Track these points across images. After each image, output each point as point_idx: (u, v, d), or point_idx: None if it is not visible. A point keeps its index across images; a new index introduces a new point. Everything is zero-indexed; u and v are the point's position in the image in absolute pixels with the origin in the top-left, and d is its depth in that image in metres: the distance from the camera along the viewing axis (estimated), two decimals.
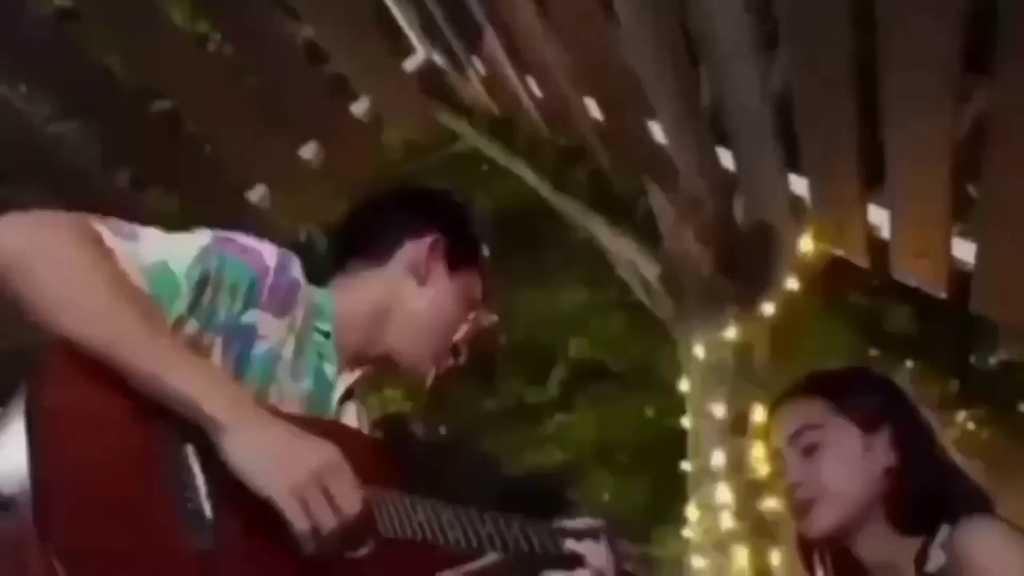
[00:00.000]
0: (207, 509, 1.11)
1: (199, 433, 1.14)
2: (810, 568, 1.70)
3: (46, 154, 3.28)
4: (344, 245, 1.60)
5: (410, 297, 1.53)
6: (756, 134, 3.46)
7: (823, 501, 1.57)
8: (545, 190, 6.19)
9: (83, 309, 1.14)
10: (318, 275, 1.52)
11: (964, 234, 3.34)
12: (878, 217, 3.49)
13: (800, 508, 1.60)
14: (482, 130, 6.27)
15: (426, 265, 1.54)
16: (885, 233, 3.46)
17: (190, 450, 1.14)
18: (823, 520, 1.58)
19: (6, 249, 1.15)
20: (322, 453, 1.18)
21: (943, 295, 3.51)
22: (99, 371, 1.12)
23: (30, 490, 0.99)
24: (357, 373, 1.53)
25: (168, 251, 1.28)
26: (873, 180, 3.39)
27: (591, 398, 7.81)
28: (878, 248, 3.57)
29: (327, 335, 1.45)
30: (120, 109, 3.30)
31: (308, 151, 3.66)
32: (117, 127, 3.37)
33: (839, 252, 3.88)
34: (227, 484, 1.13)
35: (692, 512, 5.51)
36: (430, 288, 1.54)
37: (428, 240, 1.55)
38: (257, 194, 3.59)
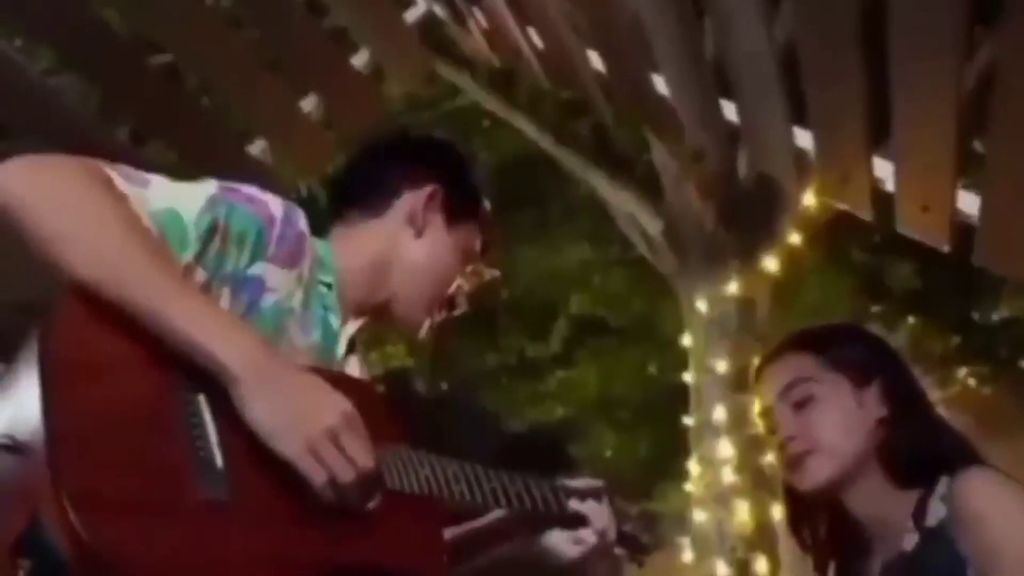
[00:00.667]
0: (218, 458, 1.10)
1: (211, 381, 1.14)
2: (796, 528, 1.69)
3: (45, 108, 3.25)
4: (342, 195, 1.58)
5: (407, 248, 1.52)
6: (761, 86, 3.43)
7: (818, 453, 1.56)
8: (546, 144, 6.15)
9: (96, 251, 1.11)
10: (318, 227, 1.50)
11: (969, 187, 3.32)
12: (883, 170, 3.46)
13: (794, 462, 1.59)
14: (483, 83, 6.22)
15: (423, 216, 1.53)
16: (889, 186, 3.44)
17: (201, 398, 1.13)
18: (818, 472, 1.57)
19: (16, 191, 1.13)
20: (337, 407, 1.17)
21: (946, 249, 3.49)
22: (111, 317, 1.11)
23: (43, 435, 0.99)
24: (359, 323, 1.53)
25: (177, 198, 1.26)
26: (878, 133, 3.37)
27: (592, 353, 7.83)
28: (882, 201, 3.55)
29: (329, 286, 1.44)
30: (119, 62, 3.27)
31: (308, 104, 3.64)
32: (116, 81, 3.34)
33: (843, 206, 3.85)
34: (238, 433, 1.13)
35: (693, 467, 5.54)
36: (427, 239, 1.53)
37: (427, 190, 1.53)
38: (257, 147, 3.57)
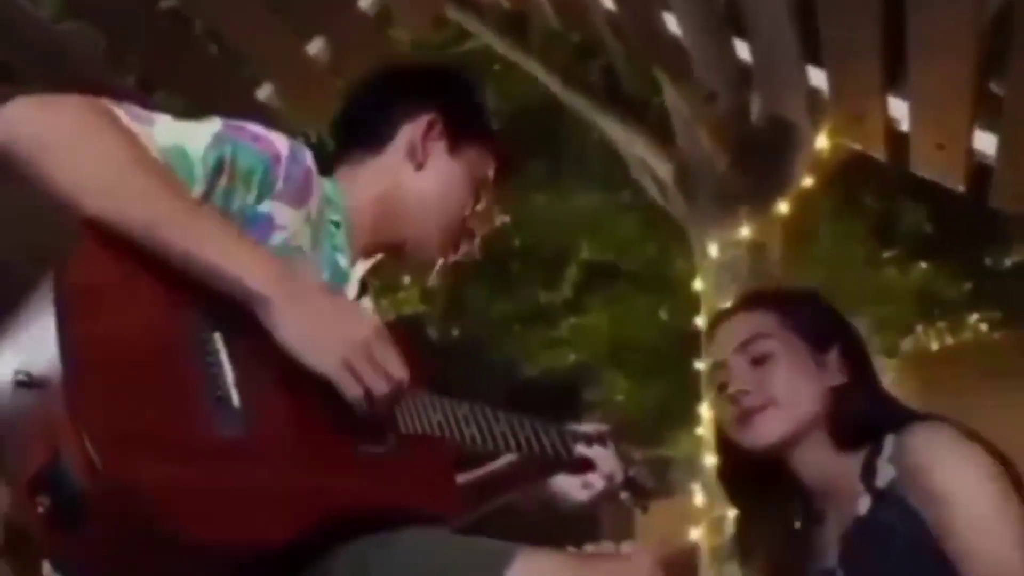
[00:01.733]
0: (235, 397, 1.10)
1: (226, 318, 1.13)
2: (732, 482, 1.66)
3: (52, 54, 3.23)
4: (343, 134, 1.56)
5: (411, 182, 1.50)
6: (774, 24, 3.38)
7: (773, 409, 1.52)
8: (557, 88, 6.08)
9: (113, 186, 1.10)
10: (325, 167, 1.47)
11: (985, 127, 3.29)
12: (898, 109, 3.43)
13: (745, 416, 1.54)
14: (493, 26, 6.15)
15: (423, 148, 1.50)
16: (904, 126, 3.40)
17: (217, 336, 1.12)
18: (772, 429, 1.53)
19: (24, 130, 1.11)
20: (368, 322, 1.19)
21: (962, 189, 3.46)
22: (124, 253, 1.10)
23: (61, 370, 0.98)
24: (369, 263, 1.52)
25: (183, 135, 1.24)
26: (893, 71, 3.32)
27: (604, 299, 7.82)
28: (897, 141, 3.52)
29: (338, 225, 1.42)
30: (126, 8, 3.24)
31: (315, 47, 3.60)
32: (123, 26, 3.31)
33: (857, 146, 3.82)
34: (255, 372, 1.13)
35: (705, 411, 5.56)
36: (430, 171, 1.50)
37: (424, 121, 1.51)
38: (264, 92, 3.54)
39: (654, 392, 7.63)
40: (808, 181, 5.66)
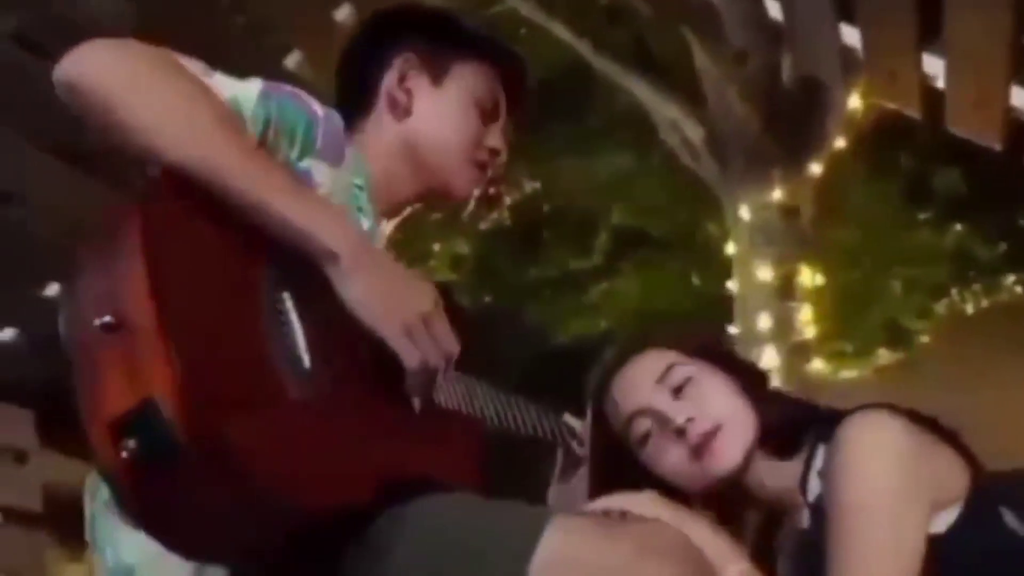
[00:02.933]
0: (305, 358, 1.10)
1: (295, 278, 1.13)
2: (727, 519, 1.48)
3: (81, 28, 3.24)
4: (341, 105, 1.49)
5: (404, 132, 1.45)
6: None
7: (725, 428, 1.39)
8: (586, 51, 6.03)
9: (192, 135, 1.10)
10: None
11: (1023, 83, 3.23)
12: (932, 67, 3.37)
13: (701, 446, 1.38)
14: None
15: (404, 92, 1.45)
16: (940, 83, 3.35)
17: (286, 295, 1.13)
18: (733, 446, 1.39)
19: (102, 73, 1.11)
20: (428, 294, 1.19)
21: (998, 147, 3.41)
22: (202, 203, 1.09)
23: (155, 318, 0.97)
24: (392, 224, 1.51)
25: (236, 89, 1.24)
26: (928, 28, 3.26)
27: (635, 265, 7.79)
28: (932, 99, 3.46)
29: (360, 188, 1.41)
30: None
31: (342, 14, 3.59)
32: None
33: (891, 104, 3.76)
34: (321, 334, 1.13)
35: None
36: (419, 112, 1.45)
37: (396, 65, 1.45)
38: (293, 60, 3.55)
39: None
40: (841, 142, 5.61)
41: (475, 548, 1.09)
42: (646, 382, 1.44)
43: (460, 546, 1.09)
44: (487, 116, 1.49)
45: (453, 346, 1.20)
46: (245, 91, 1.25)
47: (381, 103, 1.47)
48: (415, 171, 1.47)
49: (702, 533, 1.26)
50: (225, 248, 1.11)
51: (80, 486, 1.31)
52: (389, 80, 1.46)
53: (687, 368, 1.43)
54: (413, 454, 1.23)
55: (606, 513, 1.30)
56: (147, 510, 1.00)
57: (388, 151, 1.46)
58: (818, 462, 1.35)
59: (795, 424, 1.43)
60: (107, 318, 0.98)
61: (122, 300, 1.00)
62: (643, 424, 1.42)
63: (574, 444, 1.55)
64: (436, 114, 1.46)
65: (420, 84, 1.46)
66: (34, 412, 3.42)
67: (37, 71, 2.89)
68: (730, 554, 1.30)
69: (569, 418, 1.58)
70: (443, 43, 1.48)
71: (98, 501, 1.26)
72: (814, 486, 1.35)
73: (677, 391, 1.42)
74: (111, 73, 1.11)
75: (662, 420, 1.40)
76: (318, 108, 1.34)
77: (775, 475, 1.40)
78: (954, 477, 1.31)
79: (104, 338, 0.99)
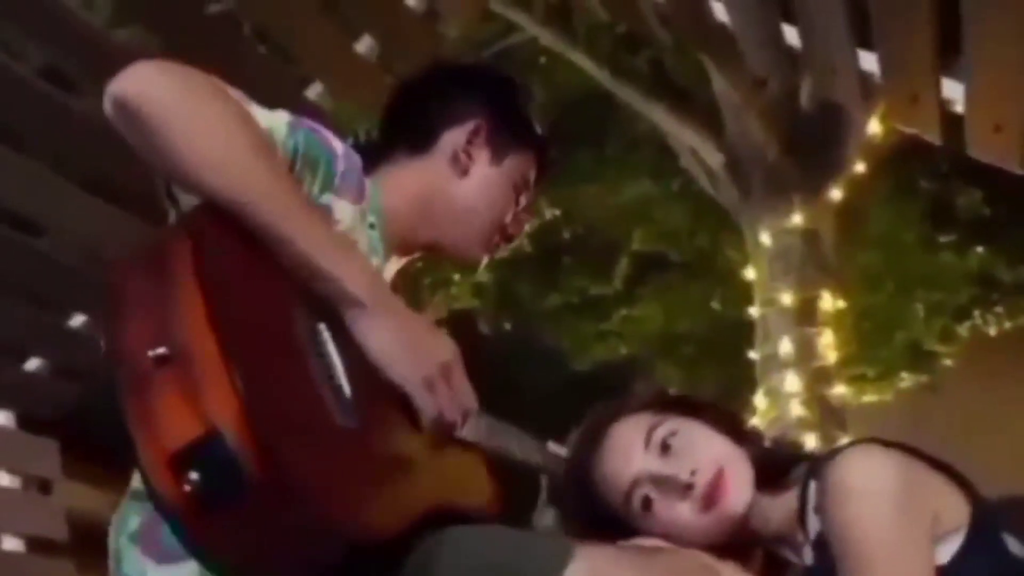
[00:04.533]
0: (347, 387, 1.11)
1: (328, 311, 1.14)
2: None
3: (108, 59, 3.29)
4: (386, 135, 1.53)
5: (453, 188, 1.47)
6: (822, 6, 3.33)
7: (727, 467, 1.37)
8: (605, 79, 6.07)
9: (237, 166, 1.11)
10: (365, 167, 1.46)
11: None
12: (952, 91, 3.36)
13: (711, 493, 1.36)
14: (539, 19, 6.15)
15: (467, 153, 1.47)
16: (959, 107, 3.34)
17: (323, 327, 1.13)
18: (740, 486, 1.37)
19: (157, 95, 1.10)
20: (448, 346, 1.20)
21: (1020, 171, 3.39)
22: (243, 235, 1.10)
23: (216, 348, 0.97)
24: (401, 263, 1.52)
25: (270, 119, 1.25)
26: (947, 52, 3.26)
27: (656, 290, 7.78)
28: (951, 123, 3.45)
29: (372, 226, 1.42)
30: (177, 11, 3.28)
31: (363, 45, 3.62)
32: (174, 30, 3.35)
33: (910, 129, 3.75)
34: (357, 364, 1.13)
35: (760, 400, 5.53)
36: (474, 178, 1.48)
37: (469, 126, 1.48)
38: (314, 91, 3.58)
39: (707, 383, 7.58)
40: (861, 166, 5.60)
41: None
42: (634, 450, 1.40)
43: (492, 574, 1.10)
44: (518, 203, 1.53)
45: (472, 401, 1.21)
46: (277, 121, 1.26)
47: (440, 152, 1.48)
48: (437, 225, 1.48)
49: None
50: (270, 280, 1.11)
51: (103, 515, 1.31)
52: (459, 137, 1.48)
53: (667, 425, 1.41)
54: (441, 482, 1.25)
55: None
56: (209, 541, 0.99)
57: (421, 196, 1.47)
58: (812, 499, 1.33)
59: (781, 459, 1.43)
60: (161, 349, 0.98)
61: (177, 330, 0.99)
62: (643, 491, 1.38)
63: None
64: (484, 188, 1.49)
65: (482, 155, 1.49)
66: (58, 442, 3.44)
67: (65, 104, 2.93)
68: None
69: (553, 446, 1.57)
70: (511, 124, 1.51)
71: (123, 535, 1.27)
72: (813, 523, 1.33)
73: (665, 449, 1.39)
74: (166, 95, 1.11)
75: (664, 481, 1.37)
76: (337, 144, 1.35)
77: (774, 511, 1.39)
78: (953, 506, 1.29)
79: (158, 370, 0.98)
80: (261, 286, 1.11)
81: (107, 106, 1.13)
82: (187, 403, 0.96)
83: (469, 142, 1.48)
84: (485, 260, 1.56)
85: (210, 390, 0.96)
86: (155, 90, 1.11)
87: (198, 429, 0.95)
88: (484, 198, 1.49)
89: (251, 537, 0.98)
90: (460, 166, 1.47)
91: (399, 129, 1.52)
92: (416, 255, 1.53)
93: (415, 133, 1.49)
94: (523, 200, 1.54)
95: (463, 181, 1.48)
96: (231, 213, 1.10)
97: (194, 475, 0.94)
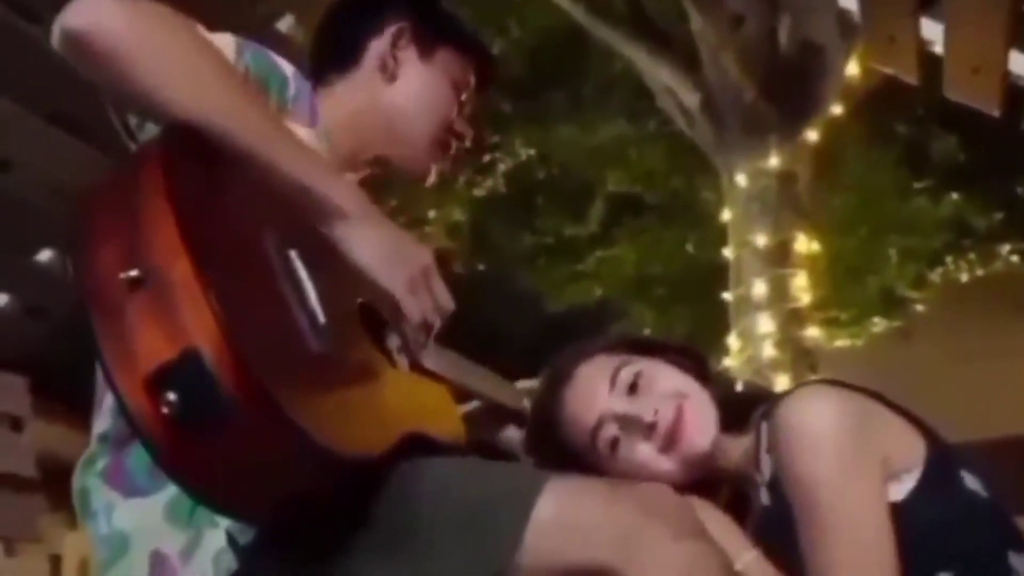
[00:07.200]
0: (320, 314, 1.10)
1: (298, 236, 1.13)
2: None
3: None
4: (318, 59, 1.53)
5: (387, 96, 1.48)
6: None
7: (688, 405, 1.38)
8: (580, 16, 5.99)
9: (202, 90, 1.10)
10: None
11: (1022, 48, 3.21)
12: (931, 31, 3.35)
13: (672, 432, 1.37)
14: None
15: (393, 58, 1.48)
16: (938, 48, 3.33)
17: (294, 254, 1.12)
18: (703, 424, 1.38)
19: (111, 25, 1.08)
20: (425, 251, 1.23)
21: (996, 113, 3.39)
22: (213, 160, 1.08)
23: (192, 269, 0.94)
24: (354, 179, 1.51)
25: (217, 41, 1.23)
26: None
27: (630, 232, 7.77)
28: (929, 64, 3.44)
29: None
30: None
31: None
32: None
33: (889, 69, 3.74)
34: (329, 290, 1.13)
35: (733, 342, 5.56)
36: (403, 81, 1.49)
37: (392, 31, 1.49)
38: (285, 24, 3.53)
39: (681, 325, 7.61)
40: (838, 109, 5.58)
41: (477, 511, 1.09)
42: (599, 391, 1.41)
43: (464, 507, 1.10)
44: (460, 102, 1.53)
45: (450, 303, 1.23)
46: (225, 44, 1.25)
47: (367, 64, 1.49)
48: (379, 136, 1.49)
49: (713, 518, 1.27)
50: (240, 205, 1.10)
51: (73, 453, 1.30)
52: (381, 44, 1.49)
53: (632, 366, 1.41)
54: (413, 411, 1.25)
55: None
56: (186, 464, 0.97)
57: (357, 110, 1.48)
58: (764, 440, 1.35)
59: (742, 400, 1.44)
60: (133, 272, 0.96)
61: (150, 252, 0.97)
62: (608, 431, 1.39)
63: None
64: (417, 89, 1.50)
65: (409, 56, 1.50)
66: (28, 379, 3.42)
67: (28, 34, 2.86)
68: (741, 541, 1.31)
69: (523, 383, 1.61)
70: (432, 24, 1.52)
71: (92, 474, 1.26)
72: (765, 464, 1.34)
73: (631, 390, 1.40)
74: (118, 24, 1.09)
75: (628, 421, 1.38)
76: (286, 66, 1.35)
77: (736, 451, 1.40)
78: (907, 444, 1.30)
79: (131, 293, 0.96)
80: (231, 211, 1.09)
81: (57, 40, 1.11)
82: (162, 324, 0.94)
83: (394, 45, 1.49)
84: (434, 170, 1.55)
85: (186, 309, 0.94)
86: (109, 20, 1.09)
87: (174, 349, 0.93)
88: (420, 100, 1.50)
89: (229, 459, 0.96)
90: (388, 72, 1.48)
91: (327, 50, 1.53)
92: (365, 172, 1.53)
93: (343, 50, 1.50)
94: (465, 98, 1.54)
95: (395, 87, 1.49)
96: (198, 137, 1.08)
97: (171, 396, 0.92)
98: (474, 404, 1.62)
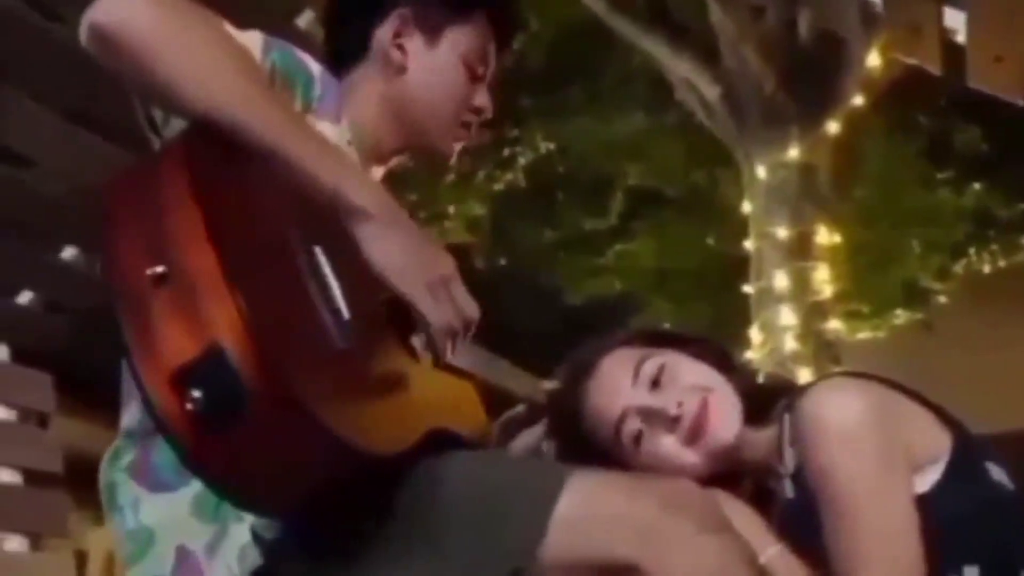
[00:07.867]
0: (344, 310, 1.10)
1: (322, 232, 1.13)
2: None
3: None
4: (329, 51, 1.52)
5: (398, 87, 1.46)
6: None
7: (713, 398, 1.37)
8: (600, 9, 5.97)
9: (227, 88, 1.09)
10: None
11: None
12: (953, 20, 3.32)
13: (696, 426, 1.35)
14: None
15: (399, 47, 1.46)
16: (960, 37, 3.30)
17: (318, 250, 1.12)
18: (728, 415, 1.37)
19: (138, 19, 1.09)
20: (449, 259, 1.20)
21: (1021, 102, 3.36)
22: (236, 156, 1.08)
23: (218, 267, 0.94)
24: (380, 172, 1.51)
25: (243, 39, 1.23)
26: None
27: (650, 225, 7.76)
28: (952, 53, 3.41)
29: (349, 143, 1.41)
30: None
31: None
32: None
33: (911, 60, 3.71)
34: (353, 286, 1.12)
35: (755, 334, 5.54)
36: (414, 70, 1.46)
37: (394, 20, 1.46)
38: (305, 19, 3.53)
39: (701, 318, 7.58)
40: (859, 100, 5.55)
41: (499, 505, 1.09)
42: (623, 384, 1.40)
43: (487, 502, 1.10)
44: (476, 76, 1.50)
45: (474, 311, 1.20)
46: (252, 41, 1.24)
47: (374, 56, 1.47)
48: (398, 127, 1.48)
49: (737, 511, 1.27)
50: (265, 202, 1.10)
51: (98, 449, 1.31)
52: (384, 34, 1.47)
53: (655, 359, 1.40)
54: (437, 407, 1.25)
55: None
56: (211, 461, 0.98)
57: (376, 103, 1.46)
58: (787, 433, 1.34)
59: (765, 392, 1.42)
60: (159, 268, 0.96)
61: (175, 248, 0.97)
62: (632, 425, 1.38)
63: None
64: (428, 76, 1.47)
65: (415, 45, 1.47)
66: (53, 375, 3.44)
67: (48, 32, 2.88)
68: (765, 534, 1.30)
69: (547, 384, 1.57)
70: (434, 3, 1.48)
71: (118, 469, 1.27)
72: (789, 456, 1.34)
73: (655, 383, 1.39)
74: (144, 20, 1.10)
75: (652, 414, 1.37)
76: (313, 65, 1.34)
77: (760, 443, 1.39)
78: (932, 436, 1.30)
79: (156, 289, 0.96)
80: (255, 207, 1.09)
81: (85, 36, 1.11)
82: (187, 321, 0.95)
83: (397, 34, 1.46)
84: (457, 148, 1.53)
85: (211, 306, 0.94)
86: (135, 16, 1.10)
87: (199, 346, 0.94)
88: (433, 87, 1.47)
89: (252, 456, 0.97)
90: (395, 64, 1.46)
91: (337, 41, 1.51)
92: (392, 162, 1.53)
93: (350, 42, 1.49)
94: (482, 71, 1.51)
95: (406, 78, 1.46)
96: (222, 134, 1.08)
97: (196, 393, 0.93)
98: (518, 409, 1.57)
